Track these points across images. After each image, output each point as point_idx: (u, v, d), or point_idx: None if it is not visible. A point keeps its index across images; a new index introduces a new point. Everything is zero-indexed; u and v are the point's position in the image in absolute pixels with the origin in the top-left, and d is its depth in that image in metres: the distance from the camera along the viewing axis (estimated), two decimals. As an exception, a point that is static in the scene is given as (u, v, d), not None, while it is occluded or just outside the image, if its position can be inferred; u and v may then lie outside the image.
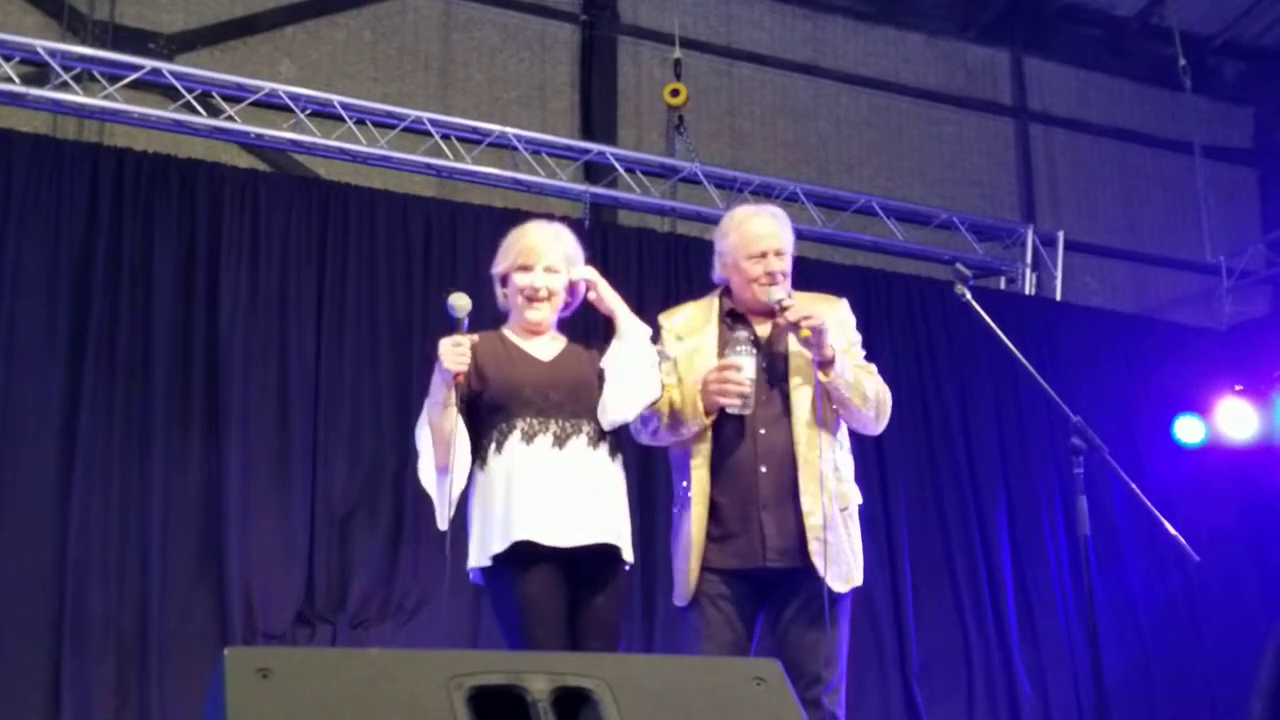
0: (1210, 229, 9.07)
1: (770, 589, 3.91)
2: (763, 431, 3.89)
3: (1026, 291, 8.74)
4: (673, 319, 4.16)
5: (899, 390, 7.80)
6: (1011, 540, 7.99)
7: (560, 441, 3.64)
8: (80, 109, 6.71)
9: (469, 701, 2.23)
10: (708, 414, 3.86)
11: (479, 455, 3.68)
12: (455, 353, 3.55)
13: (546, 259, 3.80)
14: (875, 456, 7.71)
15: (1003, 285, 8.82)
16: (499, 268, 3.86)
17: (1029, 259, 8.77)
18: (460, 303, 3.57)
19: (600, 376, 3.78)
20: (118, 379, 6.19)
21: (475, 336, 3.64)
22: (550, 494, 3.56)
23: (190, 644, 5.96)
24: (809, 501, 3.84)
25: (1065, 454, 4.11)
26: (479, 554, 3.61)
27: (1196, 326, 9.36)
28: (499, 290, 3.90)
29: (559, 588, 3.58)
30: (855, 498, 4.07)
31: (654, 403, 3.83)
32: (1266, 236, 9.55)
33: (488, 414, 3.68)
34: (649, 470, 6.80)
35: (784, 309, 3.87)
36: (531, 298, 3.79)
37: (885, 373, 8.28)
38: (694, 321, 4.11)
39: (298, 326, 6.59)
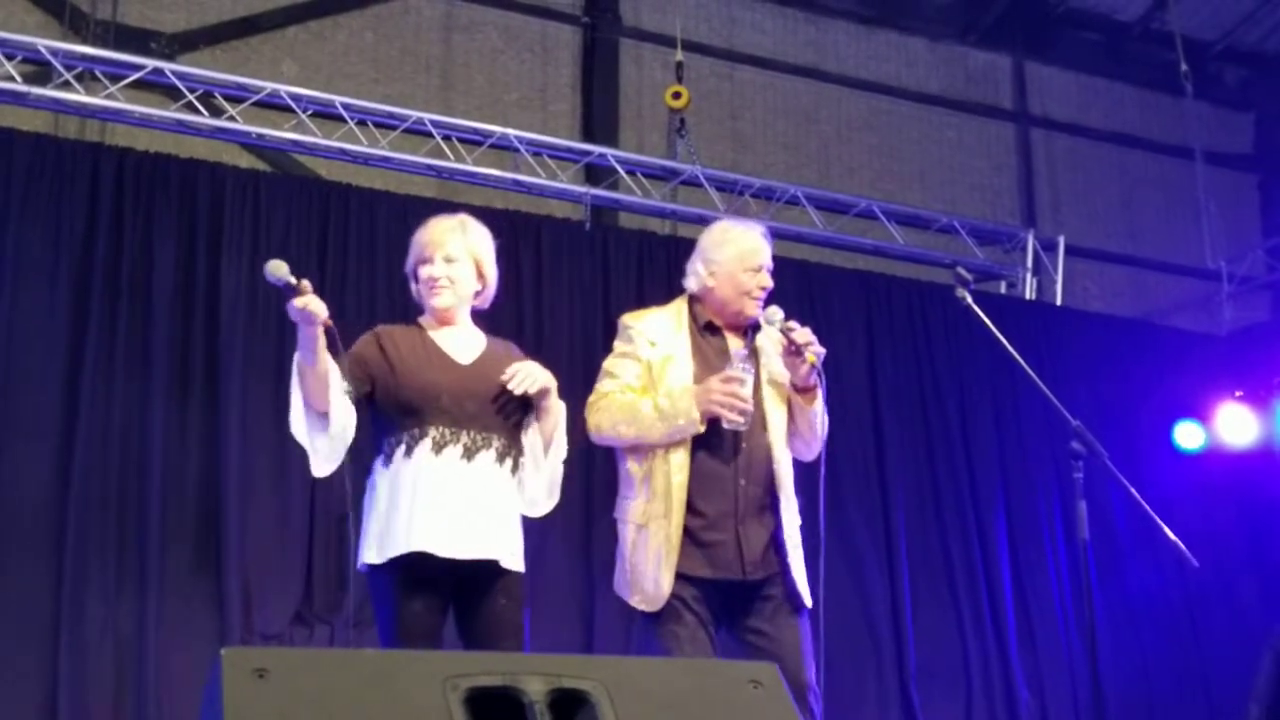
0: (1211, 234, 9.07)
1: (738, 599, 3.94)
2: (744, 445, 3.93)
3: (1027, 296, 8.74)
4: (643, 321, 4.15)
5: (899, 393, 7.92)
6: (1010, 544, 7.98)
7: (469, 454, 3.70)
8: (82, 108, 6.71)
9: (465, 703, 2.23)
10: (702, 421, 3.87)
11: (384, 453, 3.75)
12: (314, 305, 3.55)
13: (444, 249, 3.87)
14: (875, 459, 7.72)
15: (1003, 289, 8.83)
16: (409, 262, 3.94)
17: (1029, 263, 8.77)
18: (277, 269, 3.53)
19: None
20: (117, 378, 6.19)
21: (308, 284, 3.60)
22: (451, 509, 3.62)
23: (188, 643, 5.95)
24: (787, 515, 3.93)
25: (1065, 458, 4.11)
26: (374, 552, 3.69)
27: (1197, 332, 9.36)
28: (413, 289, 3.97)
29: (439, 604, 3.68)
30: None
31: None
32: (1267, 242, 9.55)
33: (399, 414, 3.74)
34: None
35: (788, 330, 3.90)
36: (432, 287, 3.86)
37: (885, 376, 8.32)
38: (665, 328, 4.11)
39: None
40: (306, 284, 3.56)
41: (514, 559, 3.76)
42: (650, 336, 4.08)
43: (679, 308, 4.16)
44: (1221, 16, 9.73)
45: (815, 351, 3.87)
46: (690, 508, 3.89)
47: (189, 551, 6.16)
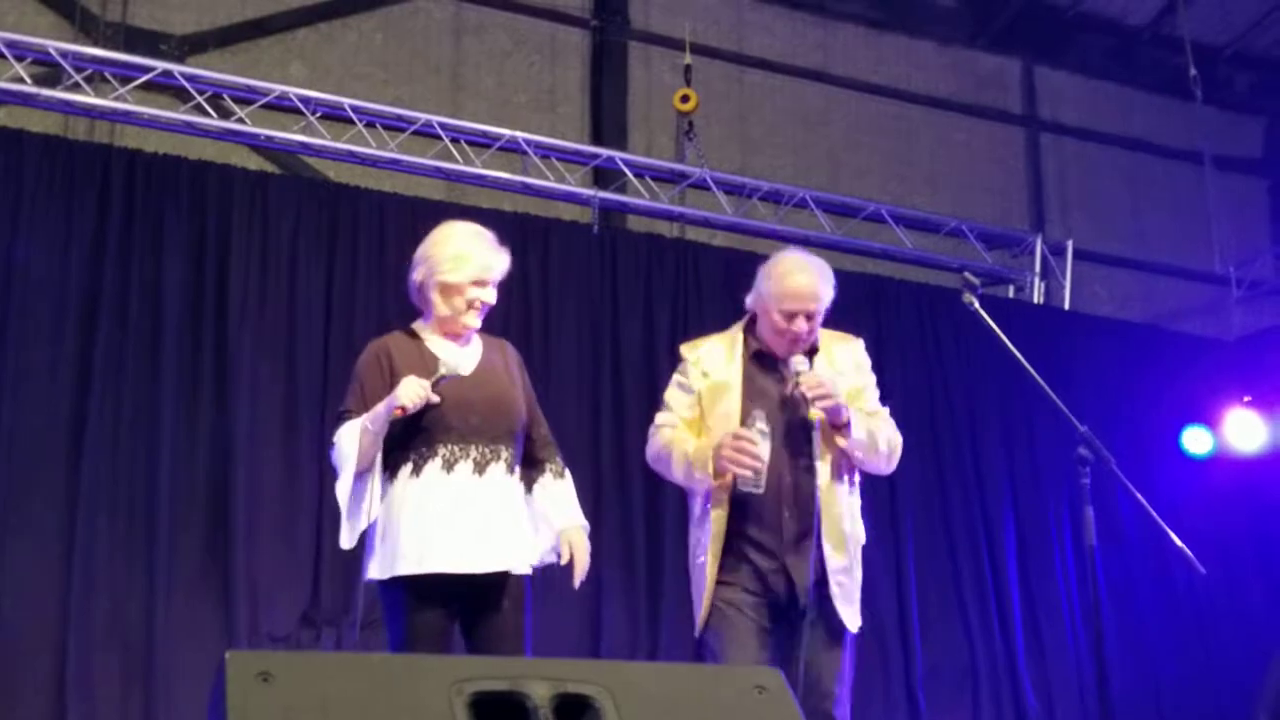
0: (1220, 239, 9.05)
1: (782, 616, 3.97)
2: (787, 478, 3.94)
3: (1035, 300, 8.73)
4: (698, 350, 4.18)
5: (906, 398, 7.89)
6: (1018, 549, 7.97)
7: (480, 468, 3.73)
8: (91, 110, 6.72)
9: (470, 707, 2.24)
10: (717, 477, 3.90)
11: (390, 469, 3.73)
12: (419, 392, 3.61)
13: (495, 276, 3.91)
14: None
15: (1011, 294, 8.82)
16: (453, 276, 3.85)
17: (1038, 268, 8.76)
18: (454, 366, 3.72)
19: (520, 388, 3.94)
20: (126, 379, 6.20)
21: (437, 399, 3.68)
22: (467, 526, 3.65)
23: (195, 644, 5.96)
24: (830, 546, 3.93)
25: (1072, 464, 4.11)
26: (383, 568, 3.68)
27: (1205, 337, 9.34)
28: (432, 291, 3.89)
29: (449, 616, 3.71)
30: (863, 537, 4.15)
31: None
32: (1276, 247, 9.55)
33: (407, 432, 3.72)
34: (657, 487, 6.79)
35: (799, 383, 3.91)
36: (476, 309, 3.88)
37: (893, 380, 8.31)
38: (719, 357, 4.12)
39: (306, 328, 6.60)
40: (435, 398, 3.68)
41: (523, 564, 3.79)
42: (704, 366, 4.11)
43: (735, 334, 4.18)
44: (1232, 21, 9.71)
45: (821, 406, 3.87)
46: (744, 535, 3.94)
47: (197, 553, 6.17)
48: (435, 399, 3.64)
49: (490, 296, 3.89)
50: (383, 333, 6.68)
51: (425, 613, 3.65)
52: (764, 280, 4.10)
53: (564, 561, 3.87)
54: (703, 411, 4.05)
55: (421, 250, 3.95)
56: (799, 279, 4.03)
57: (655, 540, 6.99)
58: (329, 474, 6.33)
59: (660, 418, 4.17)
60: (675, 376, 4.20)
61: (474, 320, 3.88)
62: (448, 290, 3.85)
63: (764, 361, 4.10)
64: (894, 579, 7.49)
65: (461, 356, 3.87)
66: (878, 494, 7.49)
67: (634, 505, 7.00)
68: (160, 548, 6.03)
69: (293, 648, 6.08)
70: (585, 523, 3.98)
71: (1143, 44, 9.87)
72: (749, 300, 4.17)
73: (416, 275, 3.92)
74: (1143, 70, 9.95)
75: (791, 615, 3.94)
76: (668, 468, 4.08)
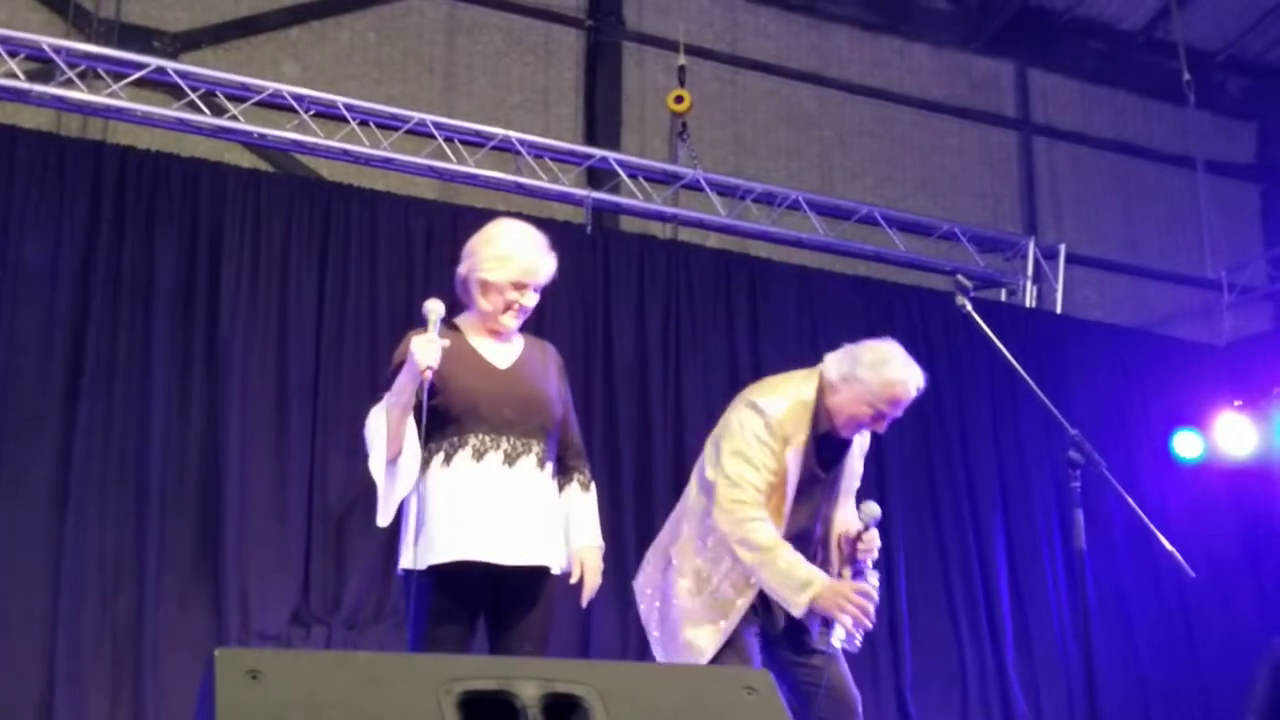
0: (1212, 244, 9.07)
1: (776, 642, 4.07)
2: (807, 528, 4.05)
3: (1027, 304, 8.74)
4: (780, 413, 4.00)
5: (898, 400, 7.88)
6: (1008, 552, 7.98)
7: (510, 460, 3.70)
8: (84, 106, 6.71)
9: (459, 706, 2.23)
10: (804, 609, 3.88)
11: (426, 461, 3.71)
12: (430, 348, 3.55)
13: (540, 279, 3.86)
14: (873, 465, 7.70)
15: (1003, 297, 8.82)
16: (494, 275, 3.81)
17: (1030, 271, 8.77)
18: (436, 308, 3.63)
19: (556, 388, 3.91)
20: (117, 376, 6.19)
21: (446, 341, 3.63)
22: (496, 515, 3.63)
23: (185, 643, 5.95)
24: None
25: (1063, 467, 4.11)
26: (413, 558, 3.65)
27: (1196, 342, 9.36)
28: (474, 287, 3.86)
29: (473, 611, 3.70)
30: None
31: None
32: (1268, 253, 9.56)
33: (440, 422, 3.70)
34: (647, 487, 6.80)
35: (864, 537, 3.99)
36: (514, 310, 3.84)
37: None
38: (796, 426, 4.00)
39: (298, 326, 6.60)
40: (444, 342, 3.60)
41: (556, 562, 3.78)
42: (786, 431, 3.97)
43: (809, 399, 4.04)
44: (1225, 26, 9.73)
45: (847, 633, 3.90)
46: None
47: (187, 551, 6.16)
48: (446, 343, 3.58)
49: (530, 300, 3.84)
50: (375, 330, 6.76)
51: (450, 603, 3.63)
52: (866, 366, 4.00)
53: (574, 580, 3.84)
54: (772, 485, 3.95)
55: (470, 244, 3.91)
56: (912, 378, 4.03)
57: (646, 540, 6.93)
58: (320, 470, 6.40)
59: (743, 494, 3.94)
60: (755, 431, 3.97)
61: (510, 321, 3.84)
62: (487, 288, 3.82)
63: (825, 445, 4.05)
64: (883, 582, 7.46)
65: (499, 353, 3.85)
66: (866, 494, 7.48)
67: (624, 505, 6.99)
68: (150, 546, 6.03)
69: (283, 646, 6.08)
70: (601, 543, 3.95)
71: (1136, 49, 9.89)
72: (831, 369, 4.06)
73: (461, 268, 3.89)
74: (1136, 75, 9.96)
75: (795, 642, 4.03)
76: (751, 558, 3.92)
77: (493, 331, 3.87)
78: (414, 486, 3.65)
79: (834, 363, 4.05)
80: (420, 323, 3.68)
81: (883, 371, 3.99)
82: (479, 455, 3.67)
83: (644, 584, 4.25)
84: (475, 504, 3.62)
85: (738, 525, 3.91)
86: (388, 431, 3.61)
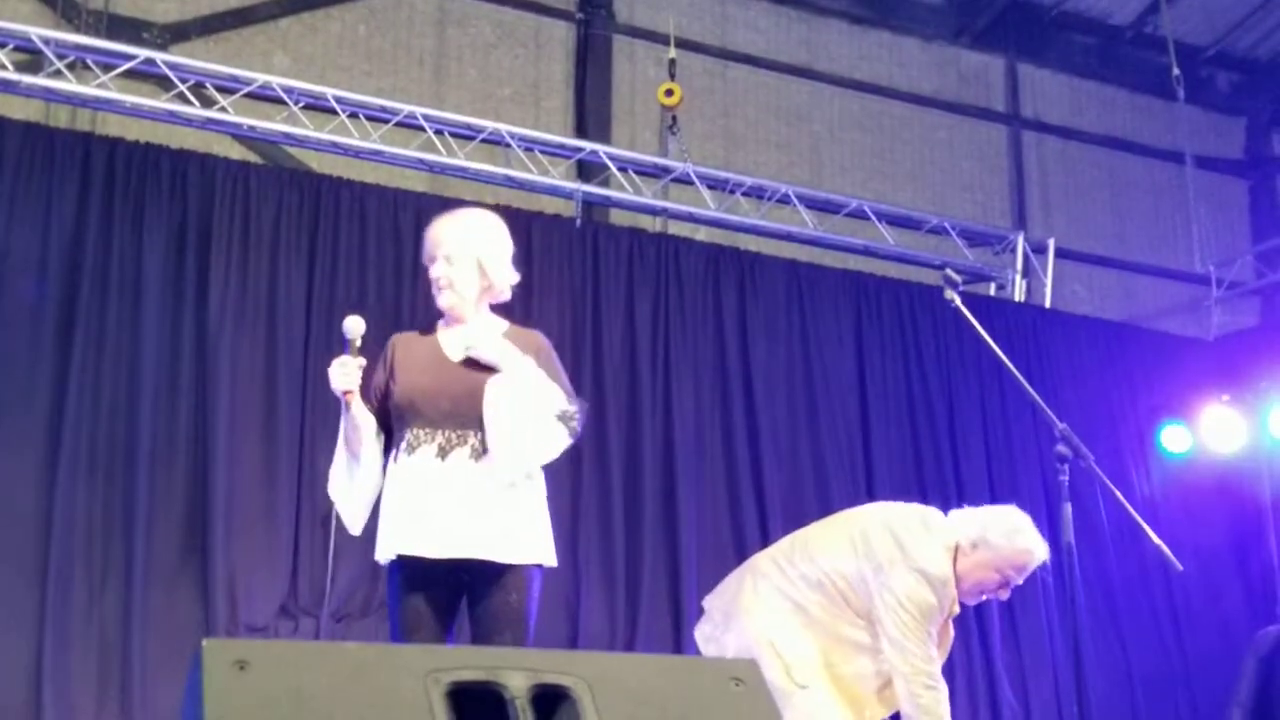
0: (1200, 239, 9.10)
1: None
2: None
3: (1016, 298, 8.75)
4: (950, 582, 4.17)
5: (887, 394, 7.91)
6: (996, 546, 7.98)
7: (443, 453, 3.68)
8: (73, 97, 6.69)
9: (447, 697, 2.23)
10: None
11: (386, 457, 3.81)
12: (340, 372, 3.67)
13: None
14: (862, 459, 7.74)
15: (992, 291, 8.84)
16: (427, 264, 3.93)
17: (1019, 265, 8.78)
18: (353, 325, 3.68)
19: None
20: (105, 367, 6.18)
21: (362, 360, 3.69)
22: (422, 508, 3.63)
23: (173, 634, 5.95)
24: None
25: (1051, 461, 4.12)
26: (379, 551, 3.74)
27: (1184, 336, 9.38)
28: None
29: (441, 602, 3.69)
30: None
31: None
32: (1256, 248, 9.59)
33: (395, 418, 3.79)
34: (636, 479, 6.79)
35: None
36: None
37: (873, 376, 8.31)
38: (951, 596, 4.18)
39: (287, 318, 6.59)
40: (360, 360, 3.68)
41: (510, 553, 3.66)
42: (956, 608, 4.20)
43: (948, 563, 4.17)
44: (1214, 22, 9.75)
45: None
46: None
47: (175, 543, 6.15)
48: (362, 361, 3.65)
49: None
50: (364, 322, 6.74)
51: (414, 598, 3.66)
52: (1002, 534, 4.12)
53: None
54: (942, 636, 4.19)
55: None
56: (1040, 554, 4.16)
57: (634, 533, 6.99)
58: (309, 462, 6.40)
59: (935, 666, 4.08)
60: (926, 595, 4.09)
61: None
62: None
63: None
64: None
65: (457, 345, 3.82)
66: (855, 488, 7.51)
67: (613, 498, 7.00)
68: (138, 538, 6.02)
69: (271, 638, 6.07)
70: (522, 362, 3.79)
71: (1125, 43, 9.91)
72: (966, 534, 4.16)
73: None
74: (1125, 69, 9.99)
75: None
76: (908, 708, 4.01)
77: (456, 321, 3.89)
78: (377, 490, 3.75)
79: (964, 528, 4.16)
80: (414, 323, 3.74)
81: (1016, 540, 4.11)
82: (412, 450, 3.69)
83: (710, 633, 4.39)
84: (405, 498, 3.66)
85: (926, 690, 4.02)
86: (340, 445, 3.79)
